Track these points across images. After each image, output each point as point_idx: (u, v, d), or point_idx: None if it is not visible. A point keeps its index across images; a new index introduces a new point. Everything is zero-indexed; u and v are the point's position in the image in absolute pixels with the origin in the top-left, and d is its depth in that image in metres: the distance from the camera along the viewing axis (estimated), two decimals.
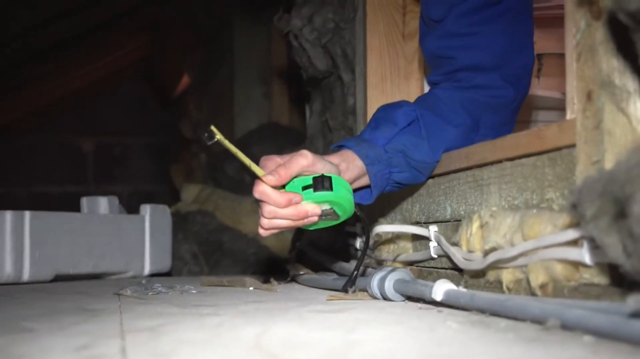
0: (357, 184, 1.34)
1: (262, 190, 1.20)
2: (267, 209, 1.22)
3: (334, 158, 1.30)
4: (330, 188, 1.23)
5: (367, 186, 1.37)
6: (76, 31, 4.32)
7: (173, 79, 5.38)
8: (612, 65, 0.94)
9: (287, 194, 1.21)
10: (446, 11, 1.49)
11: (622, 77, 0.93)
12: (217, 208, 3.10)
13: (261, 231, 1.26)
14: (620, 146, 0.92)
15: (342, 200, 1.25)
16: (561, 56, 1.07)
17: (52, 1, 3.66)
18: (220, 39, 4.21)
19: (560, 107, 1.97)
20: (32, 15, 3.65)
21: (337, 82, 2.06)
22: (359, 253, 1.49)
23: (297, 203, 1.22)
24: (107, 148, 6.18)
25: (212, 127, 1.14)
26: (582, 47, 0.99)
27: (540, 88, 2.07)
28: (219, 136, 1.13)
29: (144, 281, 1.92)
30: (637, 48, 0.78)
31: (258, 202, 1.24)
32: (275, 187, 1.21)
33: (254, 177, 1.22)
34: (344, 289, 1.39)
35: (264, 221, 1.24)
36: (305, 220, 1.24)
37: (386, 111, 1.45)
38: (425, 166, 1.41)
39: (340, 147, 1.36)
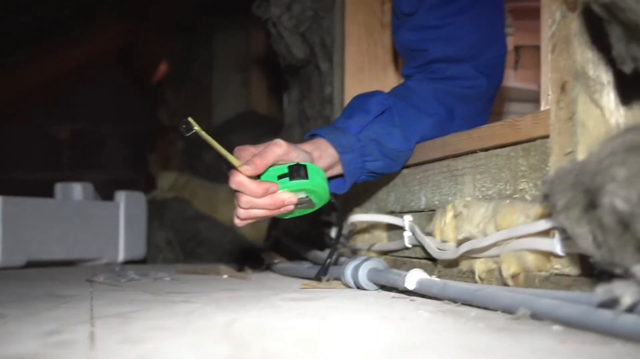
0: (330, 173, 1.34)
1: (238, 180, 1.20)
2: (243, 199, 1.21)
3: (307, 146, 1.30)
4: (306, 176, 1.23)
5: (341, 175, 1.37)
6: (53, 18, 4.28)
7: (151, 66, 5.34)
8: (587, 56, 0.94)
9: (264, 184, 1.21)
10: (417, 4, 1.50)
11: (596, 68, 0.94)
12: (194, 196, 3.08)
13: (237, 221, 1.26)
14: (593, 137, 0.93)
15: (317, 188, 1.25)
16: (539, 48, 1.08)
17: None
18: (199, 27, 4.18)
19: (536, 99, 1.98)
20: (7, 0, 3.61)
21: (315, 71, 2.06)
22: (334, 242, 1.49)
23: (273, 192, 1.22)
24: (83, 135, 6.13)
25: (190, 119, 1.13)
26: (557, 39, 0.99)
27: (517, 80, 2.07)
28: (196, 127, 1.13)
29: (117, 268, 1.91)
30: (611, 40, 0.78)
31: (234, 193, 1.24)
32: (251, 177, 1.20)
33: (230, 167, 1.21)
34: (317, 278, 1.39)
35: (241, 211, 1.23)
36: (282, 209, 1.24)
37: (359, 100, 1.45)
38: (398, 154, 1.41)
39: (313, 136, 1.36)
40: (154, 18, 4.99)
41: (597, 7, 0.78)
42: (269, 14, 2.04)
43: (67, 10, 4.32)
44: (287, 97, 2.39)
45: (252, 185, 1.20)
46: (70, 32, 4.82)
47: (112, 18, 5.21)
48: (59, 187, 2.36)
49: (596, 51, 0.93)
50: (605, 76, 0.93)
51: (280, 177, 1.22)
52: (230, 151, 1.21)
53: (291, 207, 1.24)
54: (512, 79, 2.08)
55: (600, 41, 0.91)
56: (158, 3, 4.72)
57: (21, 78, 5.40)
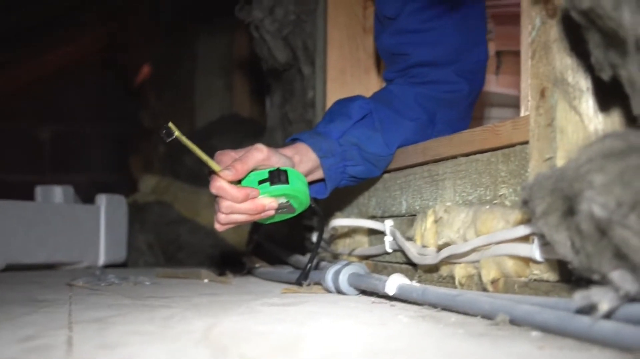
0: (311, 177, 1.34)
1: (219, 185, 1.20)
2: (224, 204, 1.21)
3: (288, 151, 1.29)
4: (287, 181, 1.23)
5: (322, 180, 1.37)
6: (36, 19, 4.25)
7: (134, 68, 5.32)
8: (566, 63, 0.95)
9: (244, 189, 1.20)
10: (399, 8, 1.50)
11: (575, 75, 0.94)
12: (175, 199, 3.08)
13: (217, 226, 1.25)
14: (572, 143, 0.93)
15: (298, 193, 1.25)
16: (520, 54, 1.08)
17: None
18: (183, 30, 4.18)
19: (516, 104, 1.99)
20: None
21: (297, 75, 2.06)
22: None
23: (254, 197, 1.21)
24: (65, 137, 6.10)
25: (170, 124, 1.12)
26: (537, 45, 0.99)
27: (498, 85, 2.08)
28: (177, 133, 1.12)
29: (97, 272, 1.90)
30: (590, 47, 0.79)
31: (215, 198, 1.24)
32: (232, 182, 1.20)
33: (211, 172, 1.21)
34: (298, 282, 1.39)
35: (221, 216, 1.23)
36: (263, 214, 1.24)
37: (341, 104, 1.45)
38: (379, 158, 1.41)
39: (294, 140, 1.36)
40: (137, 20, 4.97)
41: (575, 14, 0.78)
42: (252, 17, 2.04)
43: (50, 11, 4.30)
44: (270, 101, 2.39)
45: (233, 190, 1.20)
46: (54, 33, 4.80)
47: (96, 20, 5.19)
48: (39, 189, 2.35)
49: (575, 58, 0.94)
50: (584, 83, 0.93)
51: (260, 182, 1.22)
52: (211, 154, 1.21)
53: (272, 212, 1.24)
54: (494, 84, 2.09)
55: (579, 48, 0.92)
56: (142, 5, 4.70)
57: (3, 79, 5.36)
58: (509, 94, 2.06)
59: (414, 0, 1.49)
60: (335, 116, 1.42)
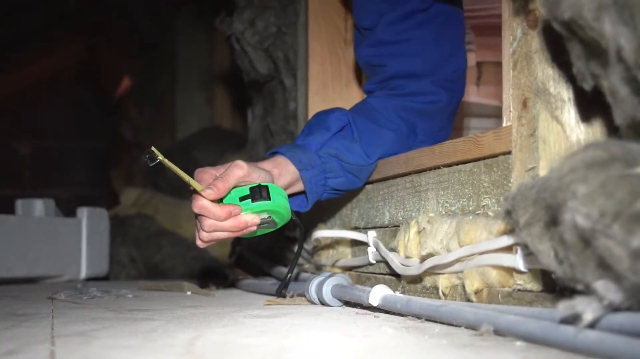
0: (291, 190, 1.33)
1: (201, 204, 1.19)
2: (207, 222, 1.21)
3: (267, 165, 1.29)
4: (268, 197, 1.23)
5: (302, 192, 1.37)
6: (15, 33, 4.23)
7: (114, 82, 5.31)
8: (548, 73, 0.95)
9: (227, 207, 1.20)
10: (376, 19, 1.51)
11: (557, 85, 0.95)
12: (157, 212, 3.06)
13: (199, 244, 1.25)
14: (554, 153, 0.94)
15: (279, 208, 1.24)
16: (501, 65, 1.08)
17: None
18: (162, 43, 4.17)
19: (498, 115, 2.00)
20: None
21: (278, 87, 2.06)
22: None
23: (236, 215, 1.21)
24: (46, 151, 6.07)
25: (153, 148, 1.12)
26: (518, 55, 1.00)
27: (479, 96, 2.09)
28: (160, 157, 1.12)
29: (79, 285, 1.89)
30: (571, 57, 0.79)
31: (197, 216, 1.23)
32: (213, 200, 1.20)
33: (192, 190, 1.21)
34: (278, 293, 1.39)
35: (204, 234, 1.22)
36: (245, 230, 1.24)
37: (319, 117, 1.45)
38: (360, 169, 1.41)
39: (274, 154, 1.36)
40: (114, 34, 4.96)
41: (557, 25, 0.78)
42: (232, 29, 2.04)
43: (27, 26, 4.28)
44: (251, 113, 2.38)
45: (215, 208, 1.19)
46: (32, 47, 4.78)
47: (72, 34, 5.17)
48: (19, 203, 2.33)
49: (557, 68, 0.94)
50: (566, 93, 0.94)
51: (242, 198, 1.22)
52: (191, 169, 1.21)
53: (254, 228, 1.24)
54: (475, 95, 2.09)
55: (560, 58, 0.92)
56: (119, 19, 4.69)
57: None
58: (490, 105, 2.07)
59: (391, 11, 1.50)
60: (313, 129, 1.42)
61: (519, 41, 0.99)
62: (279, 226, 1.30)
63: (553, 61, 0.95)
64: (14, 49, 4.57)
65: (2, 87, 5.50)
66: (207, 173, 1.23)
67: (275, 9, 2.03)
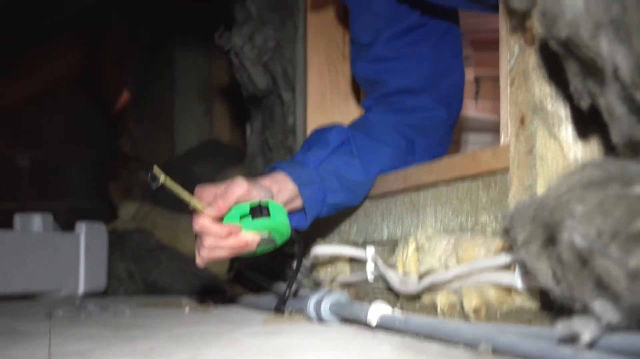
0: (289, 207, 1.33)
1: (202, 223, 1.19)
2: (208, 241, 1.21)
3: (266, 181, 1.29)
4: (268, 215, 1.23)
5: (301, 208, 1.37)
6: (12, 42, 4.23)
7: (113, 94, 5.31)
8: (545, 91, 0.95)
9: (227, 226, 1.20)
10: (374, 35, 1.51)
11: (554, 103, 0.95)
12: (156, 226, 3.06)
13: (199, 262, 1.25)
14: (552, 171, 0.94)
15: (279, 226, 1.24)
16: (498, 80, 1.09)
17: None
18: (162, 55, 4.17)
19: (496, 129, 2.00)
20: None
21: (277, 101, 2.06)
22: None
23: (237, 233, 1.21)
24: (44, 163, 6.06)
25: (155, 169, 1.12)
26: (515, 72, 1.00)
27: (477, 111, 2.09)
28: (162, 178, 1.12)
29: (77, 301, 1.88)
30: (568, 75, 0.79)
31: (197, 235, 1.23)
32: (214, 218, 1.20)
33: (193, 209, 1.21)
34: (277, 310, 1.38)
35: (204, 253, 1.22)
36: (245, 248, 1.23)
37: (318, 133, 1.45)
38: (358, 185, 1.41)
39: (273, 169, 1.36)
40: (113, 43, 4.96)
41: (554, 43, 0.78)
42: (231, 44, 2.04)
43: (25, 34, 4.27)
44: (250, 127, 2.38)
45: (216, 227, 1.19)
46: (30, 57, 4.77)
47: (72, 43, 5.17)
48: (17, 218, 2.32)
49: (554, 86, 0.95)
50: (563, 111, 0.94)
51: (242, 217, 1.22)
52: (191, 184, 1.21)
53: (254, 246, 1.24)
54: (473, 110, 2.10)
55: (558, 76, 0.92)
56: (119, 28, 4.69)
57: None
58: (488, 120, 2.07)
59: (389, 27, 1.50)
60: (312, 145, 1.42)
61: (516, 58, 0.99)
62: (278, 244, 1.30)
63: (550, 78, 0.95)
64: (10, 58, 4.57)
65: (1, 97, 5.49)
66: (208, 191, 1.23)
67: (273, 23, 2.03)
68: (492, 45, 1.90)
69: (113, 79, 5.17)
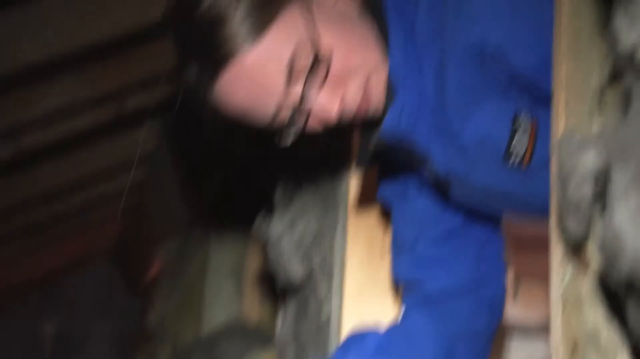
0: None
1: None
2: None
3: None
4: None
5: None
6: (47, 215, 4.31)
7: (144, 266, 5.34)
8: (599, 318, 0.93)
9: None
10: (416, 236, 1.51)
11: (609, 331, 0.92)
12: None
13: None
14: None
15: None
16: (538, 281, 1.06)
17: (25, 186, 3.65)
18: (195, 230, 4.21)
19: (534, 328, 1.96)
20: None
21: (312, 294, 2.04)
22: None
23: None
24: (68, 333, 6.02)
25: None
26: (567, 297, 0.98)
27: (515, 309, 2.06)
28: None
29: None
30: (628, 313, 0.78)
31: None
32: None
33: None
34: None
35: None
36: None
37: (355, 337, 1.44)
38: None
39: None
40: (148, 218, 5.04)
41: (613, 279, 0.77)
42: (269, 234, 2.05)
43: (62, 209, 4.35)
44: (283, 315, 2.36)
45: None
46: (63, 229, 4.84)
47: (106, 216, 5.26)
48: None
49: (609, 313, 0.92)
50: (619, 339, 0.91)
51: None
52: None
53: None
54: (510, 308, 2.07)
55: (614, 306, 0.90)
56: (153, 205, 4.78)
57: (8, 275, 5.36)
58: (526, 321, 2.04)
59: (433, 228, 1.50)
60: (349, 348, 1.41)
61: (568, 283, 0.98)
62: None
63: (605, 305, 0.93)
64: (44, 230, 4.63)
65: (29, 268, 5.53)
66: None
67: (315, 209, 2.04)
68: (531, 242, 1.89)
69: (145, 251, 5.21)
